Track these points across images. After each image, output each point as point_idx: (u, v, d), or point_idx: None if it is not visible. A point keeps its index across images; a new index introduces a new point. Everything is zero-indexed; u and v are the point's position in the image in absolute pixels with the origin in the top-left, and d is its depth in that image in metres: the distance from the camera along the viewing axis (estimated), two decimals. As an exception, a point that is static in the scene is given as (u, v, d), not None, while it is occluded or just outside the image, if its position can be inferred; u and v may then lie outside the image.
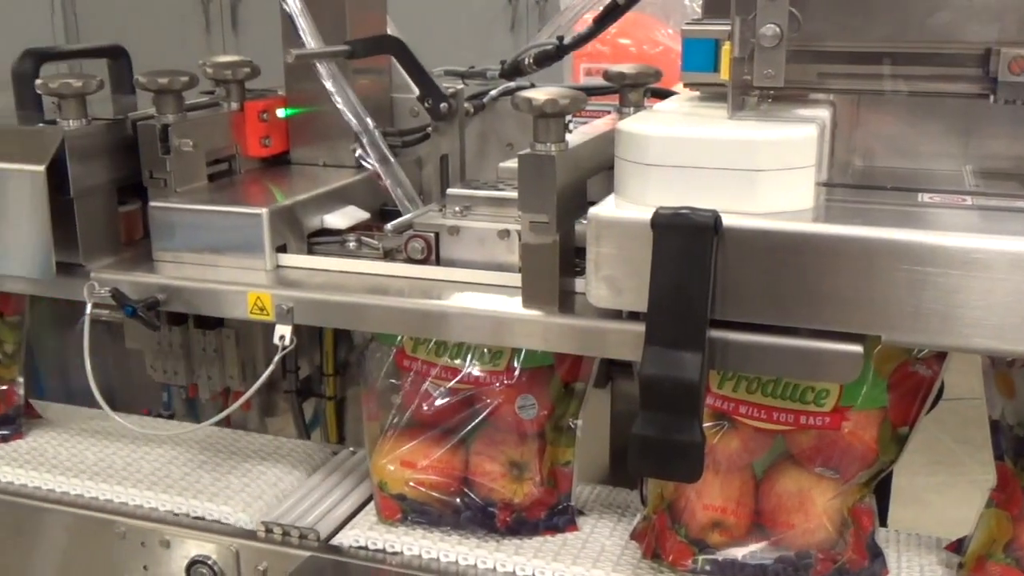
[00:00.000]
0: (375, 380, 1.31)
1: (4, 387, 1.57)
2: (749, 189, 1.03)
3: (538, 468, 1.27)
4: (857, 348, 1.01)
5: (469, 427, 1.26)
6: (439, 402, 1.26)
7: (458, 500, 1.27)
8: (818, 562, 1.17)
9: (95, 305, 1.32)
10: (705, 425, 1.11)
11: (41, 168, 1.28)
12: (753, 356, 1.06)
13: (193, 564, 1.32)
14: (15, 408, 1.58)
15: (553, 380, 1.27)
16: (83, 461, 1.48)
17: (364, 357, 1.33)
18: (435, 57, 1.50)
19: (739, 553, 1.18)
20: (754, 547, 1.18)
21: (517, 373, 1.25)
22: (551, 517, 1.29)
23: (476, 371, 1.25)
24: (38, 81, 1.35)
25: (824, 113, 1.13)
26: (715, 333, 1.04)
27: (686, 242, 1.02)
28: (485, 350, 1.25)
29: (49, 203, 1.29)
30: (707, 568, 1.18)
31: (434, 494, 1.27)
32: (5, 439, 1.54)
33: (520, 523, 1.27)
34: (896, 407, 1.18)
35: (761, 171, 1.03)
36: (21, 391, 1.59)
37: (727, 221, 1.02)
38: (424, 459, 1.27)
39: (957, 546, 1.24)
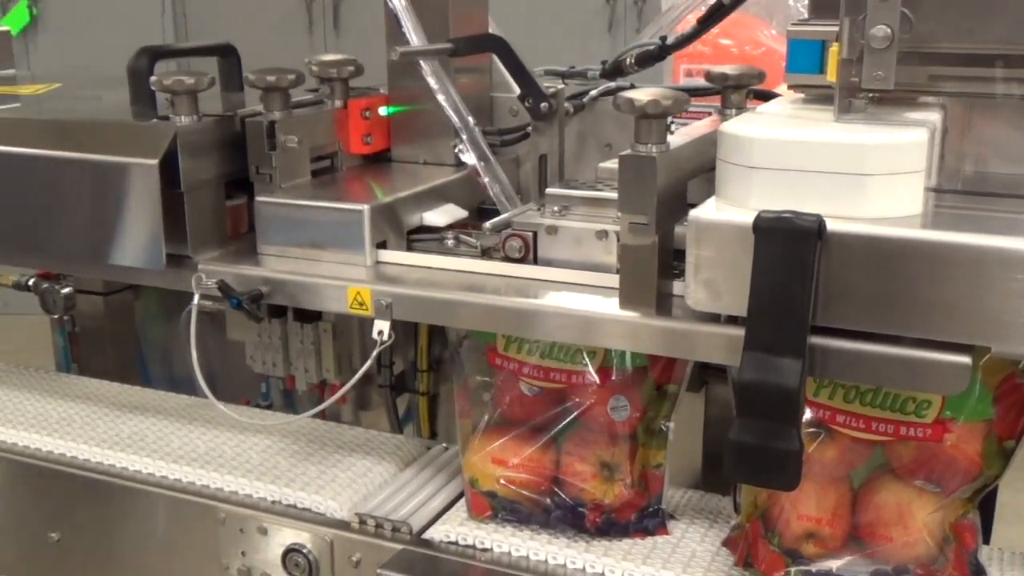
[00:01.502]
0: (468, 377, 1.32)
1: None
2: (856, 194, 1.01)
3: (629, 470, 1.26)
4: (965, 359, 0.99)
5: (560, 426, 1.26)
6: (531, 401, 1.26)
7: (548, 499, 1.27)
8: (898, 573, 1.14)
9: (201, 296, 1.36)
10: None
11: (154, 162, 1.32)
12: (855, 364, 1.04)
13: (289, 552, 1.34)
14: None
15: (646, 382, 1.26)
16: (186, 447, 1.52)
17: (457, 354, 1.34)
18: (533, 57, 1.51)
19: (833, 565, 1.15)
20: (849, 560, 1.15)
21: (611, 374, 1.24)
22: (641, 519, 1.28)
23: (568, 371, 1.25)
24: (153, 78, 1.40)
25: (934, 117, 1.10)
26: (816, 340, 1.02)
27: (788, 246, 1.00)
28: (579, 350, 1.25)
29: (161, 196, 1.33)
30: None
31: (524, 492, 1.28)
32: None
33: (610, 524, 1.27)
34: (1002, 420, 1.14)
35: (869, 175, 1.01)
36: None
37: (831, 226, 1.00)
38: (515, 457, 1.28)
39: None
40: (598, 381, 1.24)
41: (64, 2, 5.33)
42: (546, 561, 1.25)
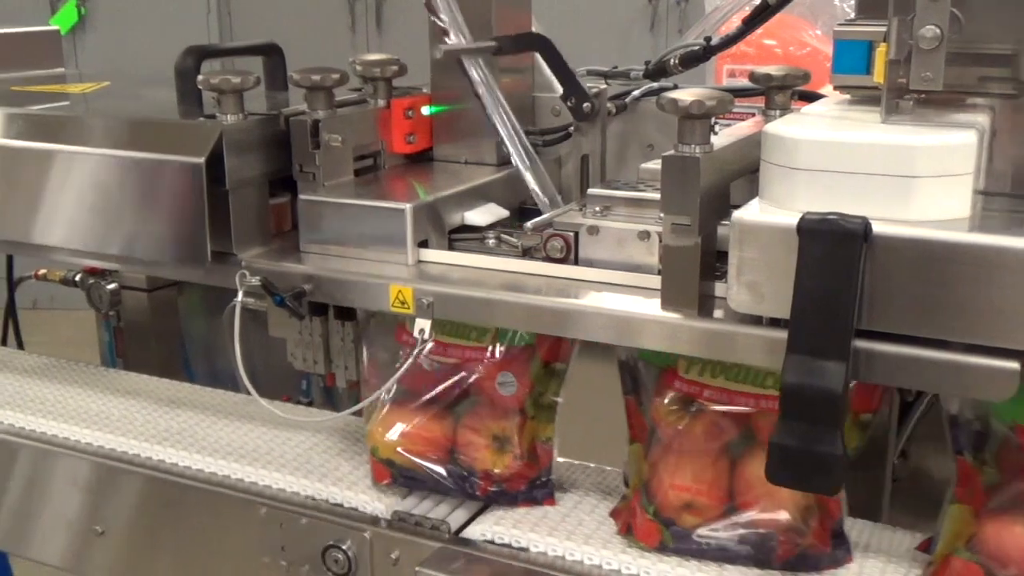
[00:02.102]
0: (377, 353, 1.37)
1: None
2: (903, 196, 1.00)
3: (519, 442, 1.31)
4: (1014, 365, 0.97)
5: (456, 400, 1.33)
6: (431, 376, 1.33)
7: (442, 468, 1.33)
8: (780, 545, 1.17)
9: (244, 293, 1.37)
10: (672, 408, 1.19)
11: (200, 160, 1.34)
12: (900, 369, 1.03)
13: (328, 549, 1.35)
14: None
15: (534, 359, 1.31)
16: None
17: (368, 331, 1.40)
18: (574, 56, 1.51)
19: (706, 532, 1.19)
20: (720, 526, 1.19)
21: (501, 351, 1.30)
22: (531, 489, 1.33)
23: (463, 347, 1.31)
24: (199, 77, 1.41)
25: (983, 119, 1.08)
26: (860, 343, 1.01)
27: (833, 249, 0.99)
28: (474, 328, 1.29)
29: (206, 194, 1.34)
30: (674, 545, 1.20)
31: (419, 461, 1.34)
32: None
33: (500, 493, 1.33)
34: (857, 394, 1.15)
35: (916, 178, 1.00)
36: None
37: (878, 229, 0.99)
38: (412, 428, 1.34)
39: (928, 545, 1.20)
40: (489, 357, 1.30)
41: (111, 2, 5.41)
42: (582, 561, 1.25)
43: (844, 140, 1.03)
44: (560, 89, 1.47)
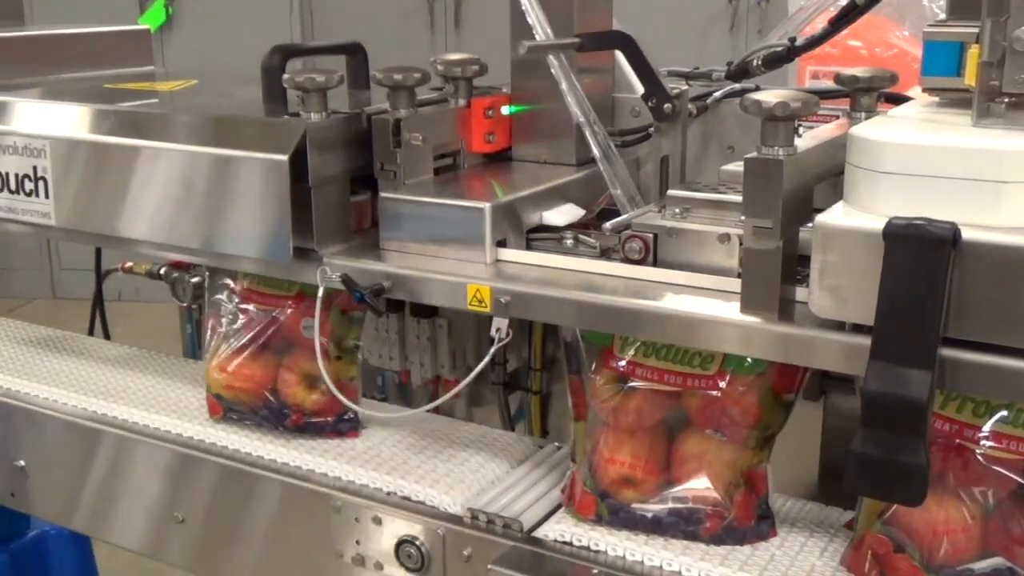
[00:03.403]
0: (221, 307, 1.57)
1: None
2: (993, 201, 0.98)
3: (322, 377, 1.46)
4: (1107, 377, 0.94)
5: (274, 344, 1.54)
6: (255, 323, 1.54)
7: (262, 402, 1.54)
8: (707, 518, 1.23)
9: (324, 289, 1.39)
10: (607, 387, 1.26)
11: (285, 158, 1.36)
12: (987, 378, 1.01)
13: (402, 543, 1.36)
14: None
15: (333, 308, 1.49)
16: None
17: (211, 283, 1.60)
18: (652, 56, 1.50)
19: (637, 505, 1.26)
20: (653, 500, 1.25)
21: (304, 299, 1.50)
22: (337, 423, 1.53)
23: (276, 296, 1.53)
24: (285, 76, 1.43)
25: (1079, 123, 1.05)
26: (946, 351, 0.99)
27: (920, 255, 0.98)
28: (281, 282, 1.50)
29: (290, 191, 1.36)
30: (608, 517, 1.27)
31: (242, 396, 1.55)
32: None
33: (308, 425, 1.53)
34: (779, 374, 1.22)
35: (1008, 183, 0.97)
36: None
37: (967, 234, 0.97)
38: (238, 368, 1.55)
39: (853, 523, 1.23)
40: (293, 305, 1.51)
41: (197, 2, 5.53)
42: (660, 567, 1.23)
43: (933, 143, 1.01)
44: (640, 89, 1.47)
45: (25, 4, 5.42)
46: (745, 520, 1.25)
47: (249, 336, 1.54)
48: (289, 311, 1.51)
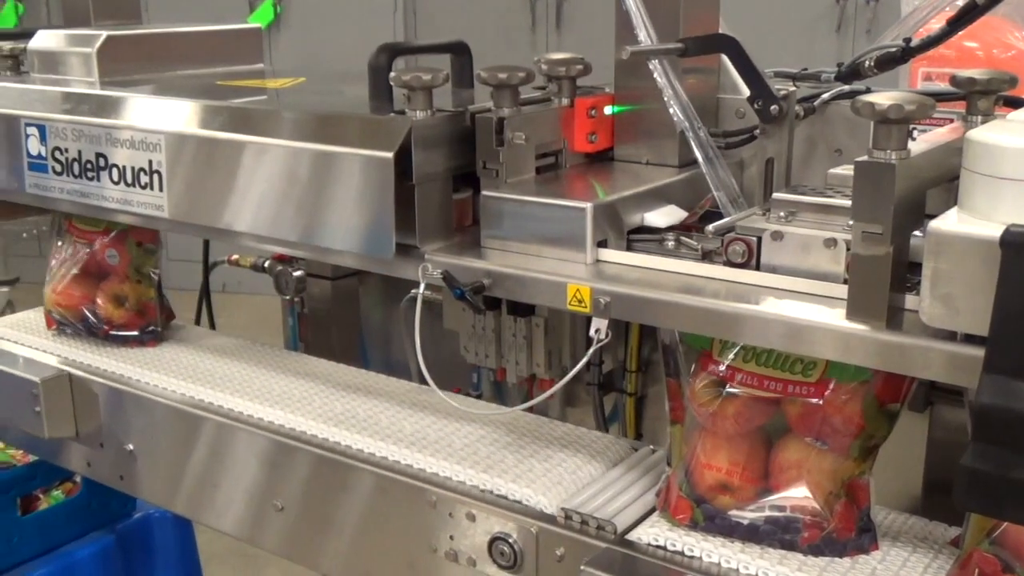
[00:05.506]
0: (59, 239, 1.99)
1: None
2: (1119, 210, 0.94)
3: (130, 299, 1.94)
4: None
5: (94, 272, 1.94)
6: (79, 254, 1.94)
7: (81, 317, 1.94)
8: (806, 528, 1.21)
9: (425, 286, 1.40)
10: (705, 391, 1.25)
11: (390, 155, 1.38)
12: (1109, 395, 0.96)
13: (495, 540, 1.37)
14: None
15: (128, 240, 1.92)
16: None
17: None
18: (757, 57, 1.47)
19: (734, 512, 1.24)
20: (750, 508, 1.24)
21: (109, 233, 1.91)
22: (141, 333, 1.94)
23: (91, 232, 1.93)
24: (392, 74, 1.45)
25: None
26: (1065, 366, 0.95)
27: (1040, 264, 0.94)
28: (100, 221, 1.90)
29: (394, 188, 1.38)
30: (703, 523, 1.26)
31: (68, 315, 1.96)
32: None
33: (118, 337, 1.93)
34: (884, 384, 1.19)
35: None
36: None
37: (1090, 244, 0.93)
38: (65, 289, 1.95)
39: (959, 540, 1.19)
40: (101, 238, 1.91)
41: (304, 1, 5.65)
42: (755, 575, 1.22)
43: (1056, 149, 0.97)
44: (745, 91, 1.45)
45: (141, 4, 5.61)
46: (845, 531, 1.22)
47: (73, 264, 1.96)
48: (97, 246, 1.92)
